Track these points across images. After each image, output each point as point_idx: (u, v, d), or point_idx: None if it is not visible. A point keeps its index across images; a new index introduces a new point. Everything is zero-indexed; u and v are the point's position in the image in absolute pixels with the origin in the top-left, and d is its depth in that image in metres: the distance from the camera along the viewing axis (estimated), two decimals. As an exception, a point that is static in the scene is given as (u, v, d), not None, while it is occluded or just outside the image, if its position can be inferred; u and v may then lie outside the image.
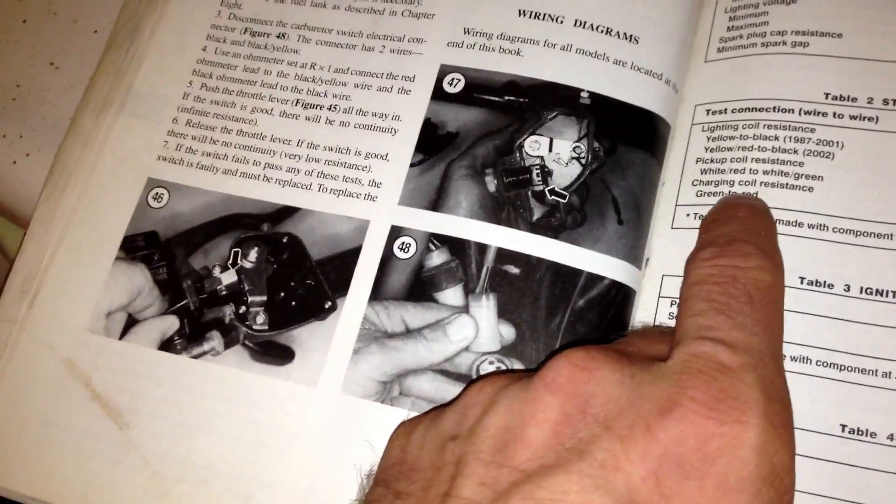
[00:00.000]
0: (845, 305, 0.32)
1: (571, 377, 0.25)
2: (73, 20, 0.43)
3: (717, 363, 0.24)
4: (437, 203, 0.36)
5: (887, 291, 0.32)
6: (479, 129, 0.37)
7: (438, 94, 0.38)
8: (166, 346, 0.36)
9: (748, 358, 0.24)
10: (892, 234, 0.32)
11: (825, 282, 0.32)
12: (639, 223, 0.35)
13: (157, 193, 0.38)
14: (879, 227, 0.33)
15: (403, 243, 0.35)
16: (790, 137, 0.34)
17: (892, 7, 0.36)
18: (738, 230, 0.30)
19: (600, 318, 0.34)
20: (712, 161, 0.36)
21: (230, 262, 0.37)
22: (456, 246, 0.35)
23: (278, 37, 0.40)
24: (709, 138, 0.36)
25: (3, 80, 0.42)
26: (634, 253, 0.35)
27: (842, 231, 0.33)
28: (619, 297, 0.34)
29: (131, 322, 0.36)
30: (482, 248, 0.35)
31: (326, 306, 0.35)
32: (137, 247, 0.37)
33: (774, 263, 0.28)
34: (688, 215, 0.35)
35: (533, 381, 0.25)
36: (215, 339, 0.36)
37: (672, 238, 0.35)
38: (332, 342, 0.34)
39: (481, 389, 0.27)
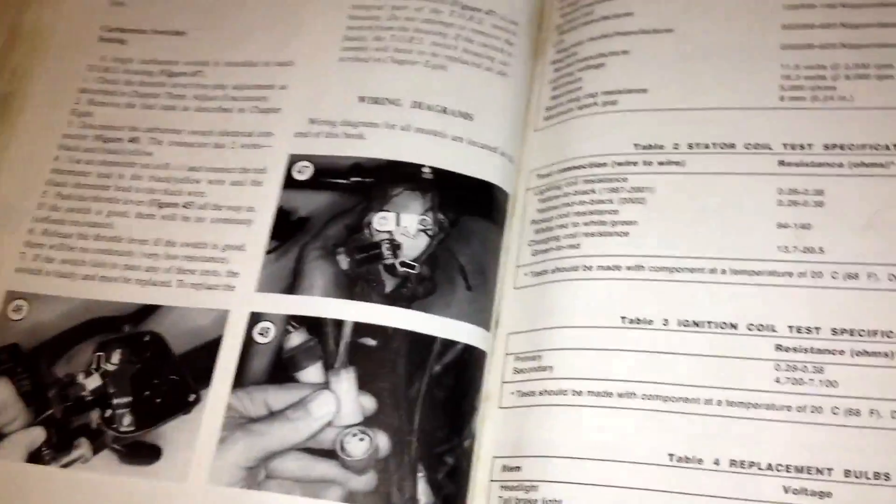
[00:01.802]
0: (665, 339, 0.34)
1: None
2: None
3: None
4: (293, 286, 0.37)
5: (703, 322, 0.34)
6: (329, 212, 0.38)
7: (289, 183, 0.39)
8: (34, 458, 0.35)
9: None
10: (703, 268, 0.35)
11: (645, 318, 0.34)
12: (485, 287, 0.37)
13: (16, 306, 0.38)
14: (692, 262, 0.35)
15: (262, 328, 0.36)
16: (605, 188, 0.37)
17: (684, 60, 0.39)
18: None
19: (456, 381, 0.35)
20: (543, 221, 0.38)
21: (93, 366, 0.37)
22: (313, 325, 0.36)
23: (130, 141, 0.41)
24: (540, 200, 0.39)
25: None
26: (483, 316, 0.37)
27: (657, 269, 0.35)
28: (473, 359, 0.36)
29: (-4, 437, 0.36)
30: (339, 324, 0.36)
31: (191, 399, 0.35)
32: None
33: None
34: (525, 274, 0.37)
35: None
36: (83, 446, 0.35)
37: (514, 298, 0.37)
38: (199, 434, 0.35)
39: None
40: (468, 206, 0.38)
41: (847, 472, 0.30)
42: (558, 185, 0.38)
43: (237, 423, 0.35)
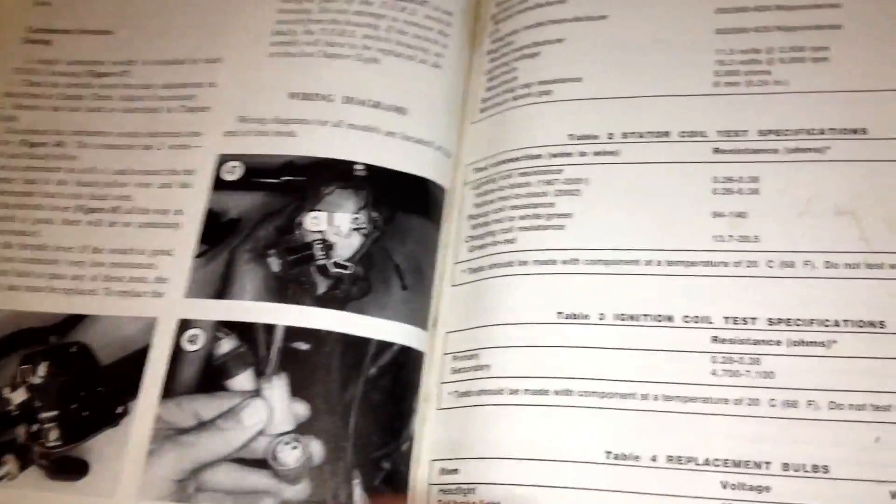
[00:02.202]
0: (602, 334, 0.33)
1: None
2: None
3: None
4: (223, 291, 0.36)
5: (639, 315, 0.33)
6: (259, 213, 0.37)
7: (219, 184, 0.38)
8: (-40, 478, 0.34)
9: None
10: (638, 260, 0.34)
11: (581, 313, 0.34)
12: (422, 286, 0.36)
13: (-61, 321, 0.37)
14: (628, 254, 0.34)
15: (191, 336, 0.35)
16: (541, 181, 0.36)
17: (619, 47, 0.38)
18: None
19: (393, 383, 0.34)
20: (479, 216, 0.37)
21: (19, 380, 0.35)
22: (244, 330, 0.35)
23: (56, 145, 0.40)
24: (476, 195, 0.38)
25: None
26: (420, 316, 0.36)
27: (593, 262, 0.34)
28: (410, 360, 0.35)
29: (-82, 459, 0.34)
30: (270, 329, 0.35)
31: (118, 411, 0.34)
32: (-79, 380, 0.36)
33: None
34: (463, 271, 0.36)
35: None
36: (10, 463, 0.34)
37: (452, 296, 0.36)
38: (127, 448, 0.34)
39: None
40: (403, 202, 0.37)
41: (785, 466, 0.30)
42: (494, 179, 0.37)
43: (166, 434, 0.33)
